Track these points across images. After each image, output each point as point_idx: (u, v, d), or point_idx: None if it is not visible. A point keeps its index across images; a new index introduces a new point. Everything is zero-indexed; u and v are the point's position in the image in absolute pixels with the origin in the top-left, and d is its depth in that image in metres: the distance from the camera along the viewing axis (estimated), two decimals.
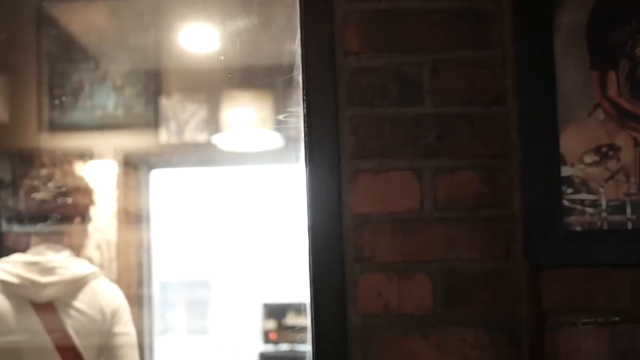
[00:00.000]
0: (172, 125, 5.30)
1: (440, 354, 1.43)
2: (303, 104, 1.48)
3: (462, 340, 1.43)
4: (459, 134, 1.48)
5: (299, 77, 1.51)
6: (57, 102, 5.08)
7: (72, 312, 2.51)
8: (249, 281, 5.75)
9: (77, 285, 2.51)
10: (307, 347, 4.37)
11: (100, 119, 5.29)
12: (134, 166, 5.35)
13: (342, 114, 1.48)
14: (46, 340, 2.48)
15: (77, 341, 2.49)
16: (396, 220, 1.46)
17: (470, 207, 1.47)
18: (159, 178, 5.54)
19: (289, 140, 5.10)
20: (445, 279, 1.45)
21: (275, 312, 4.72)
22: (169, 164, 5.42)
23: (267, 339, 4.67)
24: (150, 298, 5.48)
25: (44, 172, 5.24)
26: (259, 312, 4.73)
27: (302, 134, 1.50)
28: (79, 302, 2.52)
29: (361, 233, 1.45)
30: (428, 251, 1.46)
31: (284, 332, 4.61)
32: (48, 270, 2.50)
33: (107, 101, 5.24)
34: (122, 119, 5.28)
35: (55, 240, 2.67)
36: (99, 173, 5.44)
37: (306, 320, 4.46)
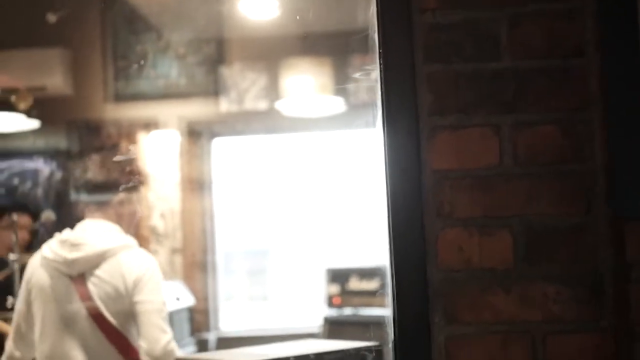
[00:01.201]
0: (233, 94, 5.33)
1: (523, 309, 1.43)
2: (379, 62, 1.48)
3: (544, 295, 1.43)
4: (538, 88, 1.47)
5: (374, 36, 1.50)
6: (121, 73, 5.16)
7: (97, 282, 2.62)
8: (311, 248, 5.79)
9: (103, 257, 2.62)
10: (371, 311, 4.35)
11: (164, 88, 5.35)
12: (196, 135, 5.41)
13: (419, 71, 1.48)
14: (81, 308, 2.60)
15: (103, 308, 2.60)
16: (476, 176, 1.46)
17: (550, 161, 1.46)
18: (220, 146, 5.59)
19: (353, 105, 5.11)
20: (526, 233, 1.45)
21: (338, 277, 4.75)
22: (230, 132, 5.47)
23: (331, 303, 4.70)
24: (214, 265, 5.56)
25: (109, 142, 5.35)
26: (322, 278, 4.76)
27: (379, 93, 1.50)
28: (103, 273, 2.62)
29: (441, 189, 1.45)
30: (508, 206, 1.46)
31: (347, 296, 4.64)
32: (75, 246, 2.62)
33: (170, 70, 5.29)
34: (185, 88, 5.34)
35: (111, 211, 2.77)
36: (162, 142, 5.51)
37: (368, 285, 4.45)
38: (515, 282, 1.44)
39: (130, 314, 2.63)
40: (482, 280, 1.44)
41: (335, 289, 4.70)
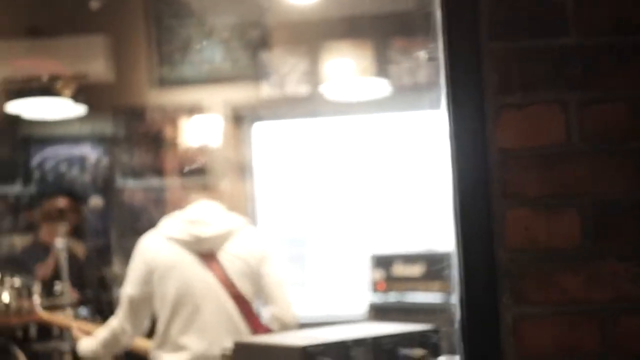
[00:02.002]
0: (276, 78, 5.33)
1: (591, 288, 1.41)
2: (443, 39, 1.46)
3: (613, 274, 1.41)
4: (606, 65, 1.44)
5: (437, 13, 1.48)
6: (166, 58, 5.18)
7: (229, 258, 2.77)
8: (354, 234, 5.78)
9: (230, 235, 2.78)
10: (415, 296, 4.33)
11: (208, 73, 5.37)
12: (239, 119, 5.42)
13: (484, 48, 1.45)
14: (214, 284, 2.70)
15: (237, 283, 2.73)
16: (542, 154, 1.43)
17: (619, 139, 1.43)
18: (262, 131, 5.59)
19: (398, 87, 5.09)
20: (594, 212, 1.43)
21: (383, 262, 4.74)
22: (272, 116, 5.47)
23: (375, 289, 4.70)
24: None
25: (154, 128, 5.38)
26: (366, 263, 4.76)
27: (442, 72, 1.48)
28: (232, 249, 2.78)
29: (507, 168, 1.43)
30: (575, 185, 1.43)
31: (391, 282, 4.63)
32: (206, 224, 2.75)
33: (214, 55, 5.31)
34: (229, 73, 5.34)
35: (215, 193, 2.88)
36: (205, 127, 5.53)
37: (412, 270, 4.43)
38: (584, 262, 1.42)
39: (257, 287, 2.78)
40: (549, 260, 1.42)
41: (379, 274, 4.69)
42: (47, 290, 4.69)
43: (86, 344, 2.99)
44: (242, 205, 5.47)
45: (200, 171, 2.95)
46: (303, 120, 5.55)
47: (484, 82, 1.45)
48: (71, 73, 5.06)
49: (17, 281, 4.49)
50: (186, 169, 2.98)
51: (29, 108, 5.22)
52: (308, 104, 5.33)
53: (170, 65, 5.40)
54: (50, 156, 5.62)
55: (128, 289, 2.80)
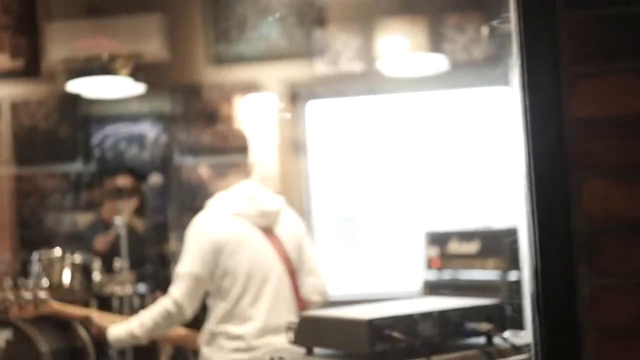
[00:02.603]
0: (330, 55, 5.32)
1: None
2: (516, 8, 1.44)
3: None
4: None
5: None
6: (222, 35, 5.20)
7: (284, 233, 2.90)
8: (409, 211, 5.76)
9: (280, 212, 2.91)
10: (471, 274, 4.29)
11: (264, 50, 5.37)
12: (295, 97, 5.43)
13: (560, 16, 1.43)
14: (275, 257, 2.75)
15: (291, 255, 2.79)
16: (620, 123, 1.41)
17: None
18: (317, 109, 5.60)
19: (455, 63, 5.04)
20: None
21: (438, 239, 4.71)
22: (328, 94, 5.47)
23: (430, 266, 4.67)
24: (311, 228, 5.60)
25: (211, 105, 5.42)
26: (421, 241, 4.73)
27: (515, 41, 1.46)
28: (284, 225, 2.91)
29: (584, 138, 1.41)
30: None
31: (446, 259, 4.60)
32: (267, 200, 2.87)
33: (270, 32, 5.31)
34: (286, 50, 5.35)
35: (243, 173, 2.92)
36: (261, 105, 5.55)
37: (468, 247, 4.40)
38: None
39: (300, 260, 2.92)
40: (628, 231, 1.39)
41: (434, 251, 4.66)
42: (107, 267, 4.76)
43: (118, 330, 2.96)
44: (296, 183, 5.49)
45: (248, 150, 2.96)
46: (357, 98, 5.53)
47: (559, 51, 1.42)
48: (129, 52, 5.11)
49: (77, 258, 4.57)
50: (236, 147, 3.00)
51: (88, 87, 5.29)
52: (362, 81, 5.31)
53: (226, 43, 5.42)
54: (110, 134, 5.69)
55: (189, 267, 2.81)
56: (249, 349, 2.74)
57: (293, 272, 2.85)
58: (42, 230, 5.64)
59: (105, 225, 5.23)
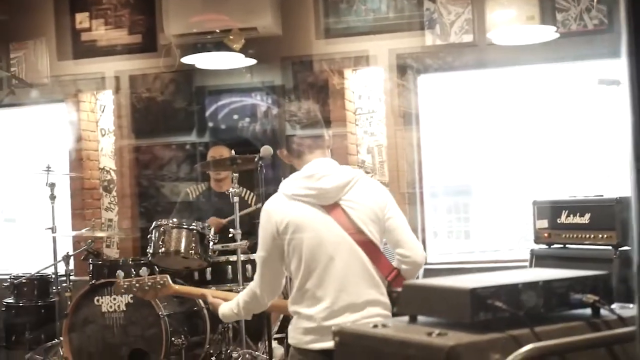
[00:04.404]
0: (440, 27, 5.29)
1: None
2: None
3: None
4: None
5: None
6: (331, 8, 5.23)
7: (354, 206, 2.79)
8: (519, 182, 5.71)
9: (349, 185, 2.80)
10: (580, 246, 4.18)
11: (374, 23, 5.39)
12: (404, 69, 5.43)
13: None
14: (342, 233, 2.73)
15: (364, 228, 2.77)
16: None
17: None
18: (428, 81, 5.59)
19: (564, 34, 4.94)
20: None
21: (548, 211, 4.66)
22: (437, 66, 5.43)
23: (539, 237, 4.63)
24: (421, 199, 5.61)
25: (321, 78, 5.47)
26: (531, 212, 4.68)
27: (623, 13, 1.44)
28: (356, 198, 2.80)
29: None
30: None
31: (556, 231, 4.54)
32: (325, 177, 2.78)
33: (380, 4, 5.32)
34: (394, 22, 5.35)
35: (323, 148, 2.90)
36: (370, 77, 5.58)
37: (577, 219, 4.29)
38: None
39: (382, 231, 2.82)
40: None
41: (544, 223, 4.61)
42: (220, 235, 4.92)
43: (227, 308, 3.06)
44: (406, 155, 5.50)
45: (321, 125, 2.94)
46: (467, 71, 5.49)
47: None
48: (241, 27, 5.21)
49: (193, 226, 4.74)
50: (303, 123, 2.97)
51: (202, 60, 5.43)
52: (473, 53, 5.26)
53: (336, 16, 5.47)
54: (223, 106, 5.84)
55: (259, 251, 2.84)
56: (321, 329, 2.72)
57: (368, 244, 2.77)
58: (159, 200, 5.85)
59: (217, 194, 5.38)
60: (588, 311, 1.76)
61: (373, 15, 5.38)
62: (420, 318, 1.76)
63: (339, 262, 2.75)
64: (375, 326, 1.69)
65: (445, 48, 5.27)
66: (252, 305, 2.98)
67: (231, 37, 5.21)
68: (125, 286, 3.46)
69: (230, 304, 3.06)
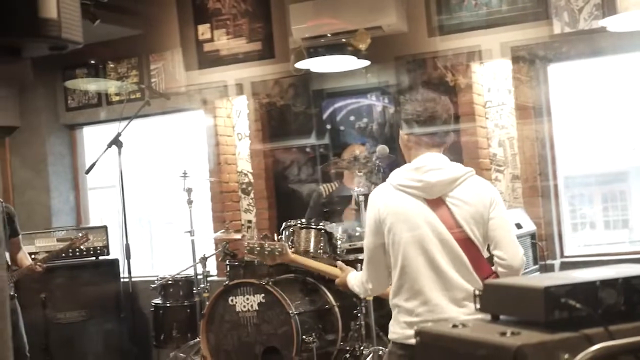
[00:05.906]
0: (565, 15, 5.14)
1: None
2: None
3: None
4: None
5: None
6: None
7: (459, 204, 2.76)
8: None
9: (457, 181, 2.77)
10: None
11: (487, 17, 5.32)
12: (526, 61, 5.31)
13: None
14: (442, 228, 2.72)
15: (466, 227, 2.72)
16: None
17: None
18: (557, 71, 5.44)
19: None
20: None
21: None
22: (564, 56, 5.28)
23: None
24: (556, 191, 5.46)
25: (435, 75, 5.45)
26: None
27: None
28: (462, 195, 2.77)
29: None
30: None
31: None
32: (433, 171, 2.77)
33: None
34: (507, 15, 5.25)
35: (444, 145, 2.89)
36: (493, 71, 5.50)
37: None
38: None
39: (485, 232, 2.78)
40: None
41: None
42: (348, 233, 4.98)
43: (354, 278, 3.08)
44: (538, 146, 5.38)
45: (438, 122, 2.91)
46: (595, 59, 5.30)
47: None
48: (367, 27, 5.25)
49: (321, 226, 4.83)
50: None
51: (318, 63, 5.50)
52: (603, 40, 5.07)
53: (448, 13, 5.42)
54: (340, 108, 5.91)
55: (365, 240, 2.87)
56: (420, 323, 2.61)
57: (467, 242, 2.72)
58: (294, 200, 5.98)
59: (344, 194, 5.44)
60: None
61: (485, 9, 5.30)
62: (502, 317, 1.76)
63: (437, 257, 2.74)
64: (455, 326, 1.69)
65: (571, 36, 5.11)
66: (363, 288, 3.01)
67: (356, 38, 5.26)
68: (248, 247, 3.83)
69: (354, 283, 3.10)
